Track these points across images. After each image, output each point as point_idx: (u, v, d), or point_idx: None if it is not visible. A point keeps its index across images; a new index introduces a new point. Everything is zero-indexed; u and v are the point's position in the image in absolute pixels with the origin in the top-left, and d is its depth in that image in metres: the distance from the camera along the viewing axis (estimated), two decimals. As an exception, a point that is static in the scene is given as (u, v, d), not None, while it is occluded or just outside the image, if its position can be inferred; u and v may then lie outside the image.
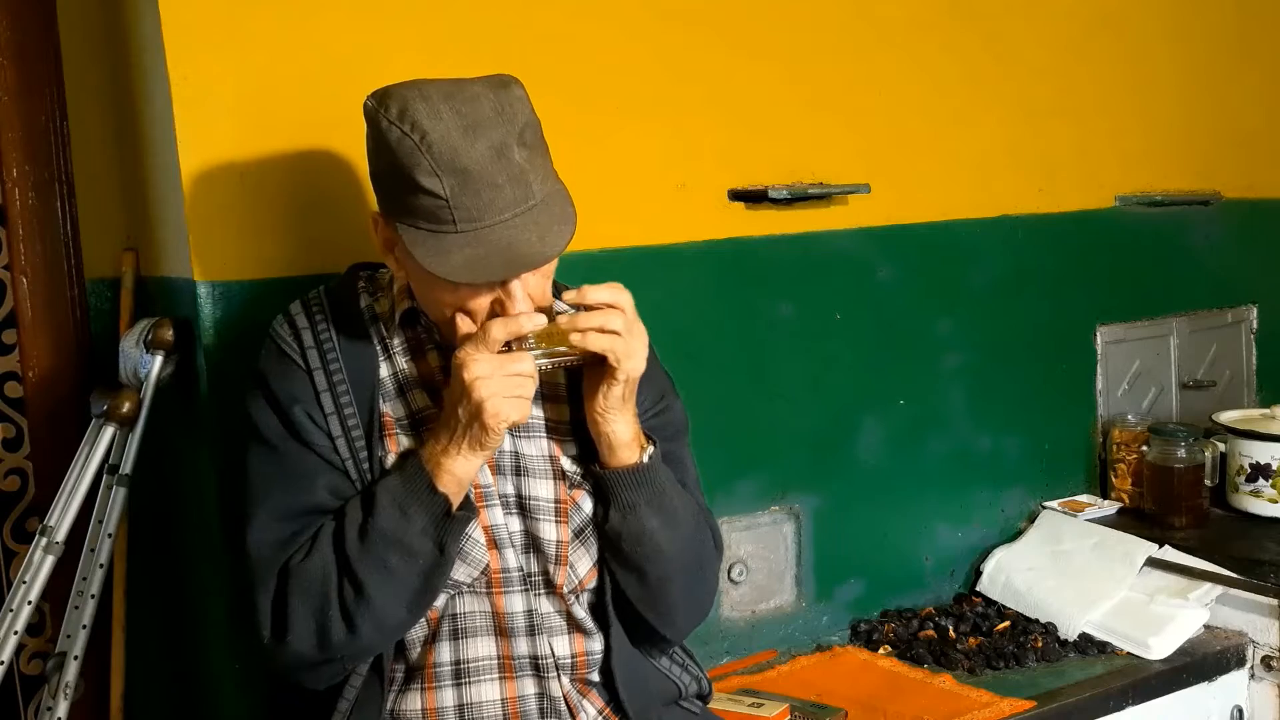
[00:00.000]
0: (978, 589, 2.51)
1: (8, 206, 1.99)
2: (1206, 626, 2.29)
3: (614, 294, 1.45)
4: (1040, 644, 2.25)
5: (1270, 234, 2.99)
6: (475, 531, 1.50)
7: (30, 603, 1.87)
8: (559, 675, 1.55)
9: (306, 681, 1.52)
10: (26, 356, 2.02)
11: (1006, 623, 2.34)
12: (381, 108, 1.40)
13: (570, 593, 1.55)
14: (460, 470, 1.44)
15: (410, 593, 1.45)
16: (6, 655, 1.86)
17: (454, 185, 1.36)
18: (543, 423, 1.58)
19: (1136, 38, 2.72)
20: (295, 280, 1.80)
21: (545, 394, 1.58)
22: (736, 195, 2.21)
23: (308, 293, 1.60)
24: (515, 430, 1.54)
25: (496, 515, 1.52)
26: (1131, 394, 2.76)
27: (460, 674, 1.52)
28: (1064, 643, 2.27)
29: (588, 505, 1.55)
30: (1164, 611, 2.27)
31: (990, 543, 2.56)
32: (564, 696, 1.55)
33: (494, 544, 1.52)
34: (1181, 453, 2.53)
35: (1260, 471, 2.55)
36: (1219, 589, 2.29)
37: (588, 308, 1.45)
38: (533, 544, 1.54)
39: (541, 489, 1.54)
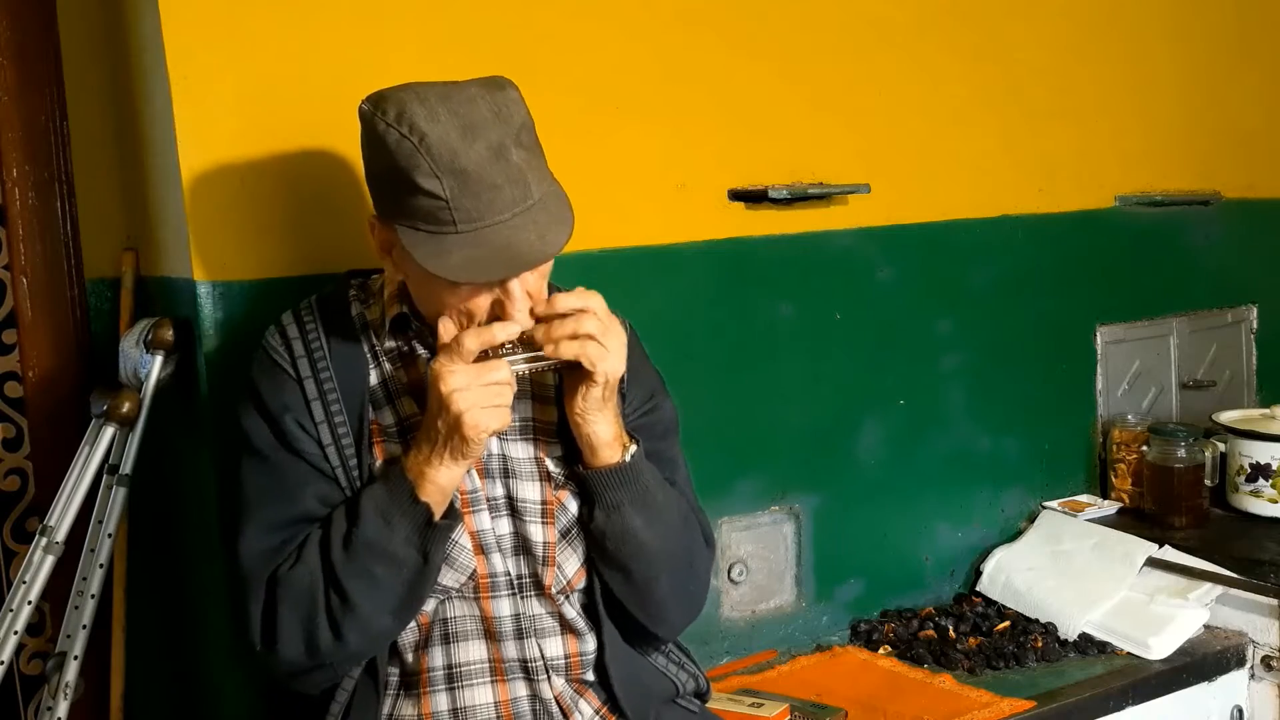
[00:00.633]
0: (978, 589, 2.51)
1: (8, 206, 1.99)
2: (1206, 626, 2.29)
3: (583, 299, 1.45)
4: (1040, 644, 2.25)
5: (1270, 234, 2.99)
6: (462, 537, 1.50)
7: (30, 603, 1.87)
8: (550, 677, 1.55)
9: (299, 687, 1.53)
10: (26, 356, 2.02)
11: (1006, 623, 2.34)
12: (378, 110, 1.40)
13: (559, 593, 1.55)
14: (443, 479, 1.44)
15: (395, 600, 1.46)
16: (6, 655, 1.86)
17: (454, 186, 1.36)
18: (530, 424, 1.58)
19: (1136, 38, 2.72)
20: (295, 280, 1.80)
21: (535, 395, 1.59)
22: (736, 195, 2.21)
23: (299, 302, 1.61)
24: (503, 433, 1.54)
25: (483, 520, 1.53)
26: (1131, 394, 2.76)
27: (453, 678, 1.52)
28: (1064, 643, 2.27)
29: (573, 506, 1.55)
30: (1164, 611, 2.27)
31: (990, 543, 2.56)
32: (555, 698, 1.55)
33: (480, 549, 1.52)
34: (1181, 453, 2.53)
35: (1260, 471, 2.55)
36: (1219, 589, 2.29)
37: (560, 317, 1.45)
38: (524, 546, 1.54)
39: (529, 490, 1.55)
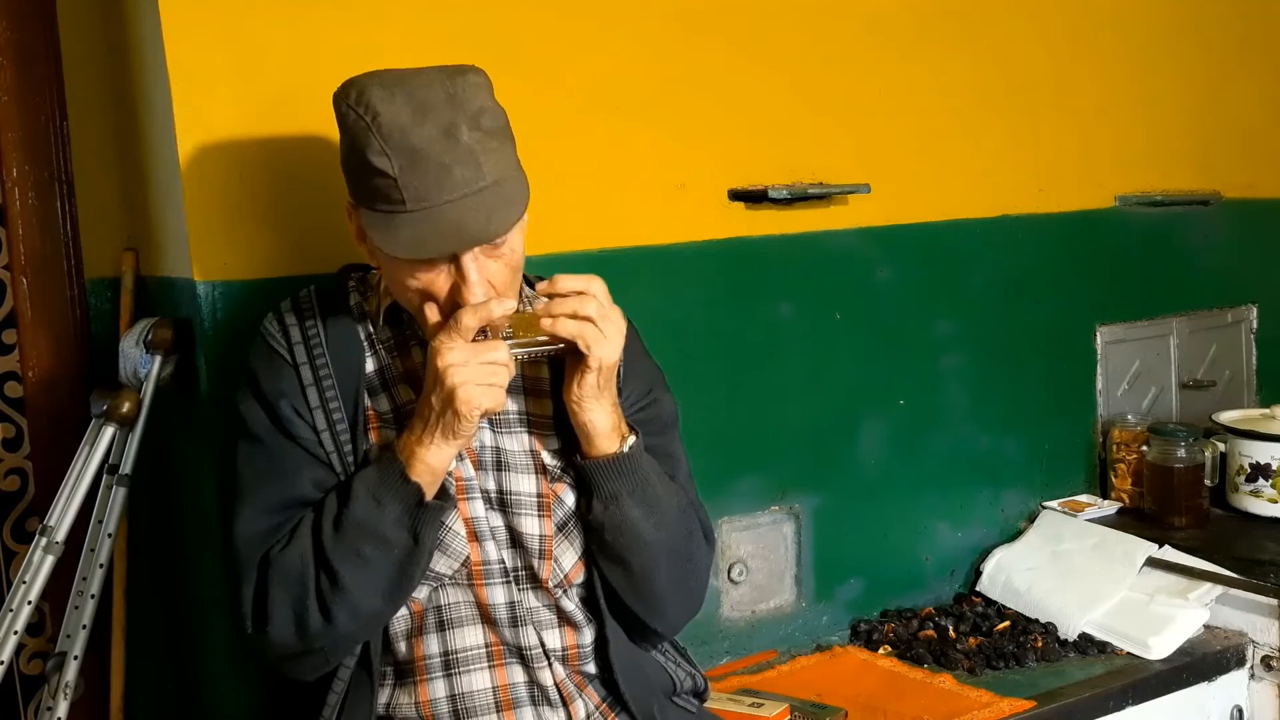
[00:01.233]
0: (978, 589, 2.51)
1: (8, 206, 1.99)
2: (1206, 626, 2.29)
3: (587, 282, 1.46)
4: (1040, 644, 2.25)
5: (1270, 234, 2.99)
6: (455, 524, 1.50)
7: (30, 603, 1.87)
8: (550, 664, 1.55)
9: (291, 672, 1.53)
10: (26, 356, 2.02)
11: (1006, 623, 2.34)
12: (344, 95, 1.43)
13: (556, 586, 1.55)
14: (434, 459, 1.44)
15: (385, 582, 1.45)
16: (6, 655, 1.86)
17: (402, 164, 1.38)
18: (525, 417, 1.58)
19: (1136, 38, 2.72)
20: (295, 280, 1.80)
21: (528, 388, 1.59)
22: (736, 195, 2.21)
23: (299, 291, 1.61)
24: (496, 426, 1.55)
25: (478, 508, 1.53)
26: (1131, 394, 2.76)
27: (450, 664, 1.52)
28: (1064, 643, 2.27)
29: (570, 499, 1.55)
30: (1164, 611, 2.27)
31: (990, 543, 2.56)
32: (557, 685, 1.55)
33: (474, 536, 1.52)
34: (1181, 453, 2.53)
35: (1260, 471, 2.55)
36: (1219, 589, 2.29)
37: (563, 296, 1.45)
38: (514, 539, 1.54)
39: (522, 484, 1.55)
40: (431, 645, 1.53)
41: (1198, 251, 2.87)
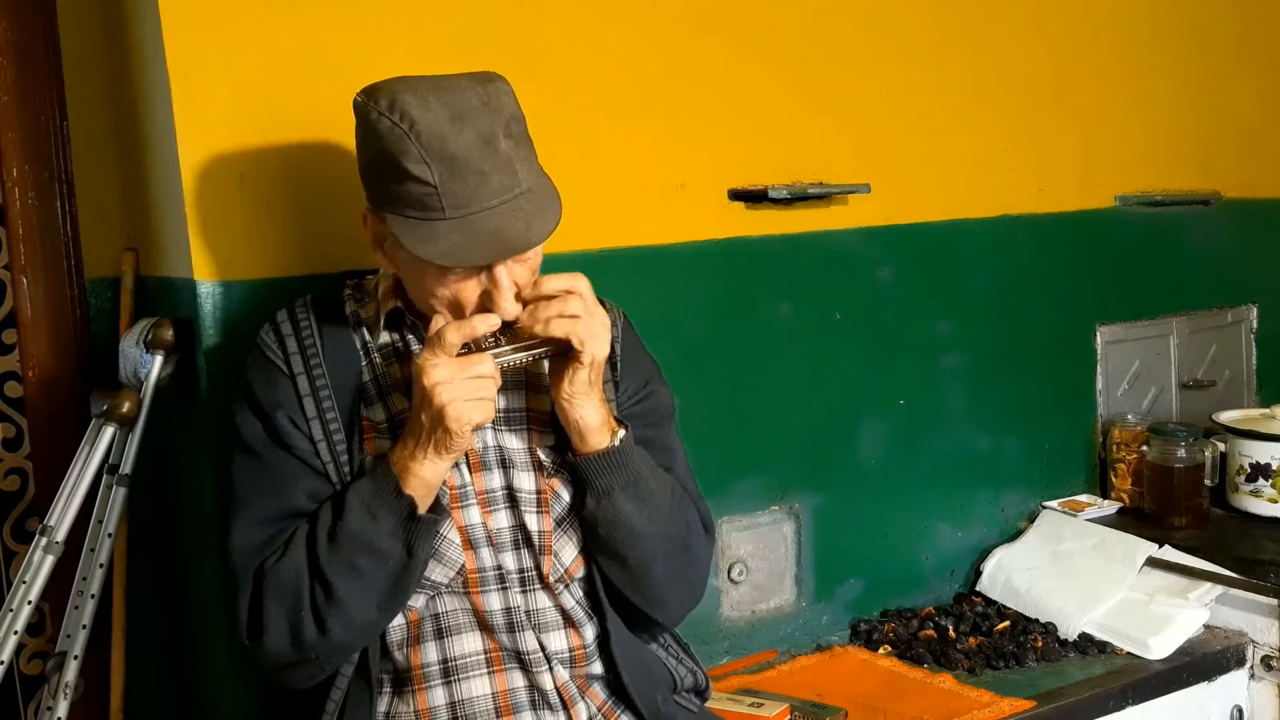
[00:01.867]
0: (978, 589, 2.51)
1: (8, 206, 1.99)
2: (1206, 626, 2.29)
3: (570, 281, 1.47)
4: (1040, 644, 2.25)
5: (1270, 234, 2.99)
6: (450, 532, 1.51)
7: (30, 603, 1.87)
8: (551, 668, 1.55)
9: (287, 681, 1.53)
10: (26, 356, 2.02)
11: (1006, 623, 2.34)
12: (371, 101, 1.42)
13: (558, 582, 1.56)
14: (427, 474, 1.44)
15: (380, 594, 1.46)
16: (6, 655, 1.86)
17: (442, 172, 1.38)
18: (525, 414, 1.59)
19: (1136, 38, 2.72)
20: (295, 280, 1.80)
21: (530, 385, 1.59)
22: (736, 195, 2.21)
23: (294, 300, 1.61)
24: (498, 423, 1.55)
25: (472, 515, 1.53)
26: (1131, 394, 2.76)
27: (449, 672, 1.52)
28: (1064, 642, 2.27)
29: (566, 494, 1.56)
30: (1164, 611, 2.27)
31: (990, 543, 2.56)
32: (558, 689, 1.55)
33: (469, 544, 1.52)
34: (1181, 453, 2.53)
35: (1260, 471, 2.55)
36: (1219, 589, 2.29)
37: (548, 299, 1.46)
38: (525, 537, 1.55)
39: (526, 480, 1.56)
40: (430, 653, 1.53)
41: (1198, 251, 2.87)
